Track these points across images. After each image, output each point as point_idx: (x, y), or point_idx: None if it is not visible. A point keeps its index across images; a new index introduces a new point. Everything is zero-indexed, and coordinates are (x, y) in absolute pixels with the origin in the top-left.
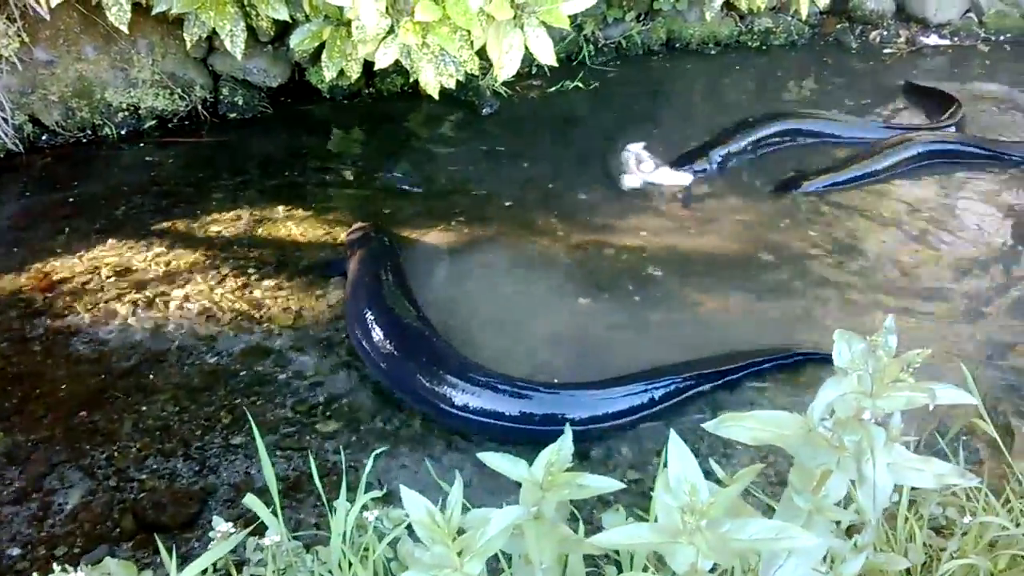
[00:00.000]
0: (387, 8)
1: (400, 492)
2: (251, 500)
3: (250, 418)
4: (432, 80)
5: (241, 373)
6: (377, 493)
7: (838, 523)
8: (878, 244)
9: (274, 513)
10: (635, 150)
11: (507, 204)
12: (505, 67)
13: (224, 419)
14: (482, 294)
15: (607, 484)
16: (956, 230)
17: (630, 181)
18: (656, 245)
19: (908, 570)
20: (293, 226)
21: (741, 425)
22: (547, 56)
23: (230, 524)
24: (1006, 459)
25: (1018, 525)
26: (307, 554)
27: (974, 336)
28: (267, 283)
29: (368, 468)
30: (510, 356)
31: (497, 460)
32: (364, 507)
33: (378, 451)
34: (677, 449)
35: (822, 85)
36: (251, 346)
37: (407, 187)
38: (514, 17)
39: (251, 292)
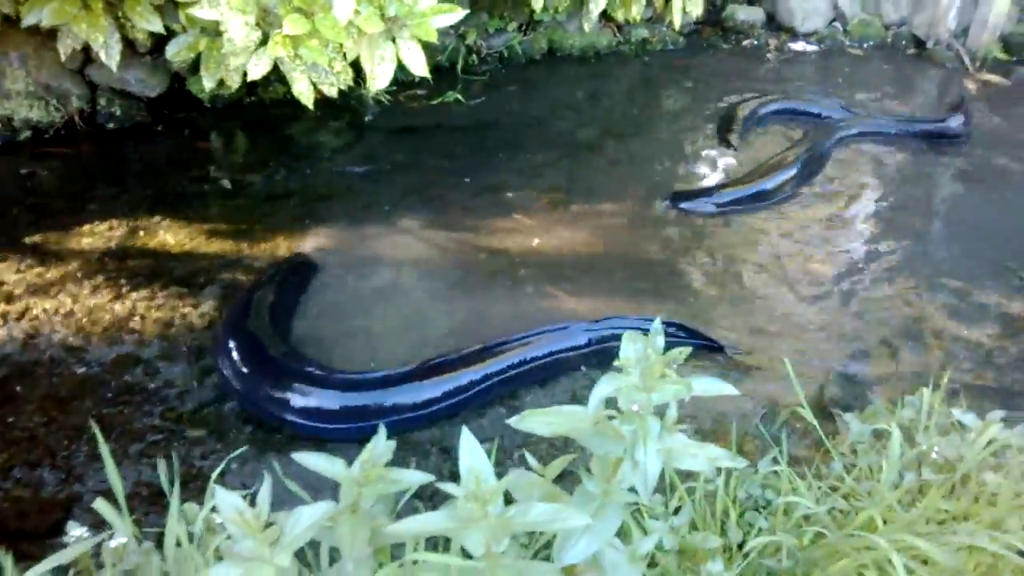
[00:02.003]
0: (257, 21)
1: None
2: (101, 505)
3: (93, 424)
4: (306, 91)
5: (110, 383)
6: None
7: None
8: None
9: (123, 516)
10: None
11: (386, 208)
12: (378, 78)
13: (91, 429)
14: (359, 298)
15: (419, 477)
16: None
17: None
18: (526, 247)
19: (726, 547)
20: (168, 236)
21: (540, 420)
22: (419, 68)
23: (84, 529)
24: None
25: (818, 503)
26: (156, 554)
27: (828, 338)
28: (139, 294)
29: (216, 472)
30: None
31: (312, 459)
32: (212, 509)
33: (233, 455)
34: (467, 443)
35: (696, 83)
36: (121, 356)
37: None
38: (385, 29)
39: (123, 303)
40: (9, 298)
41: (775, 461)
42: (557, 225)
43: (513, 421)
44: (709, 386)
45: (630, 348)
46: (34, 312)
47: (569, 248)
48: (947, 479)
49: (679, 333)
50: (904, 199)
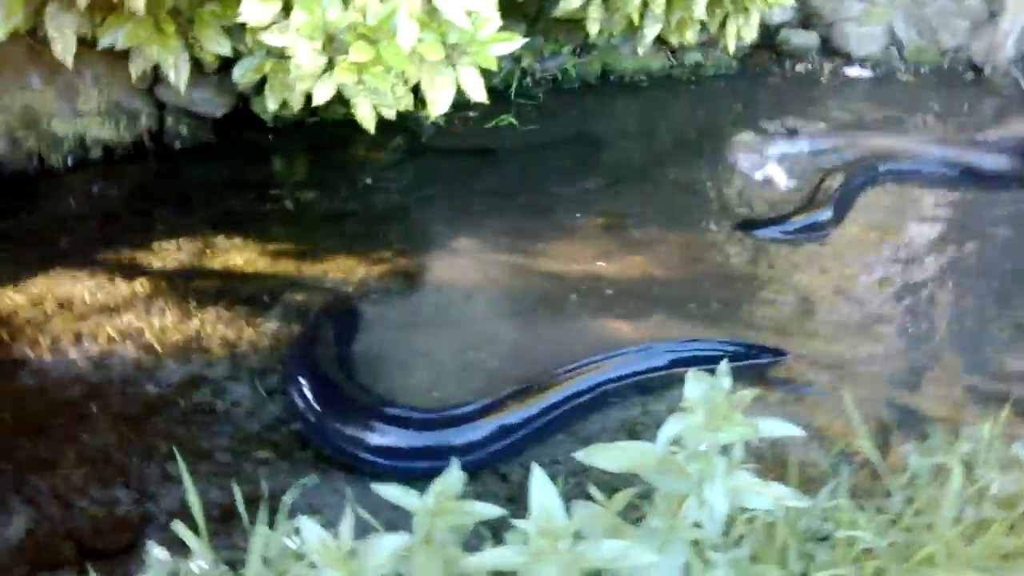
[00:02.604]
0: (323, 46)
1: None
2: (179, 526)
3: (175, 450)
4: (368, 115)
5: (180, 403)
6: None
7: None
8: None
9: (201, 538)
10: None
11: (440, 230)
12: (438, 104)
13: (163, 448)
14: (414, 325)
15: (491, 511)
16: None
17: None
18: (579, 273)
19: None
20: (233, 256)
21: (607, 455)
22: (478, 93)
23: (164, 550)
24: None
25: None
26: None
27: (889, 367)
28: (207, 314)
29: (293, 497)
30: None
31: (390, 491)
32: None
33: (304, 480)
34: (539, 480)
35: (752, 110)
36: (190, 376)
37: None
38: (446, 57)
39: (191, 323)
40: (81, 317)
41: (834, 494)
42: (611, 250)
43: (580, 455)
44: (775, 428)
45: (695, 388)
46: (106, 331)
47: (624, 274)
48: (1008, 515)
49: (743, 350)
50: (966, 228)
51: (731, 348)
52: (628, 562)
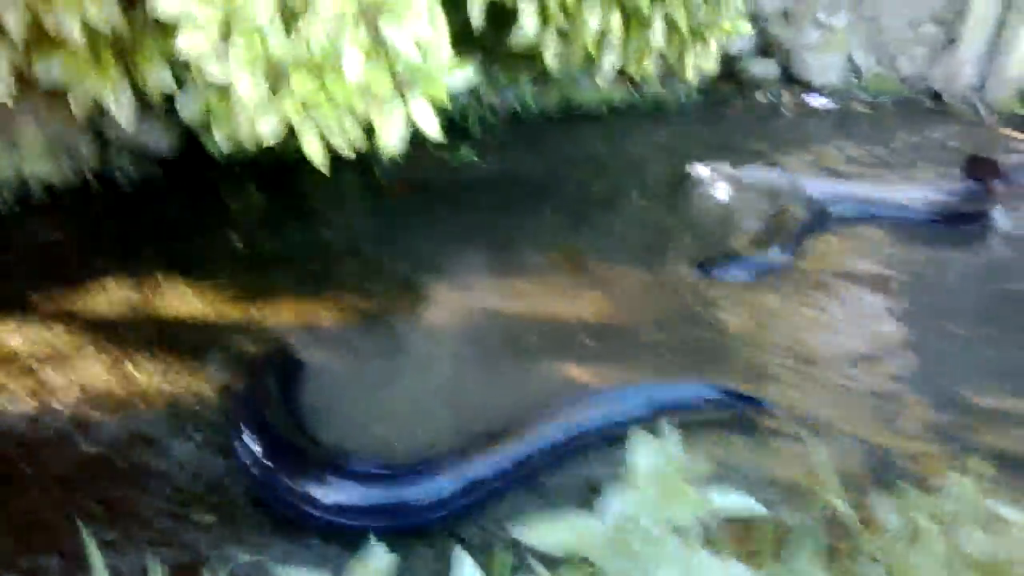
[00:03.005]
0: (266, 78)
1: None
2: None
3: (81, 527)
4: (317, 150)
5: (119, 463)
6: None
7: None
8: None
9: None
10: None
11: (397, 270)
12: (389, 138)
13: (96, 512)
14: (366, 370)
15: None
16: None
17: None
18: (541, 313)
19: None
20: (177, 301)
21: (547, 533)
22: (431, 128)
23: None
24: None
25: None
26: None
27: (859, 413)
28: (148, 364)
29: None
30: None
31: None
32: None
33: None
34: (462, 565)
35: (714, 139)
36: (129, 433)
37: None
38: (395, 89)
39: (133, 374)
40: (17, 368)
41: (811, 560)
42: (572, 287)
43: (517, 533)
44: (732, 502)
45: (640, 458)
46: (43, 383)
47: (584, 311)
48: None
49: (717, 395)
50: (936, 263)
51: (711, 394)
52: None
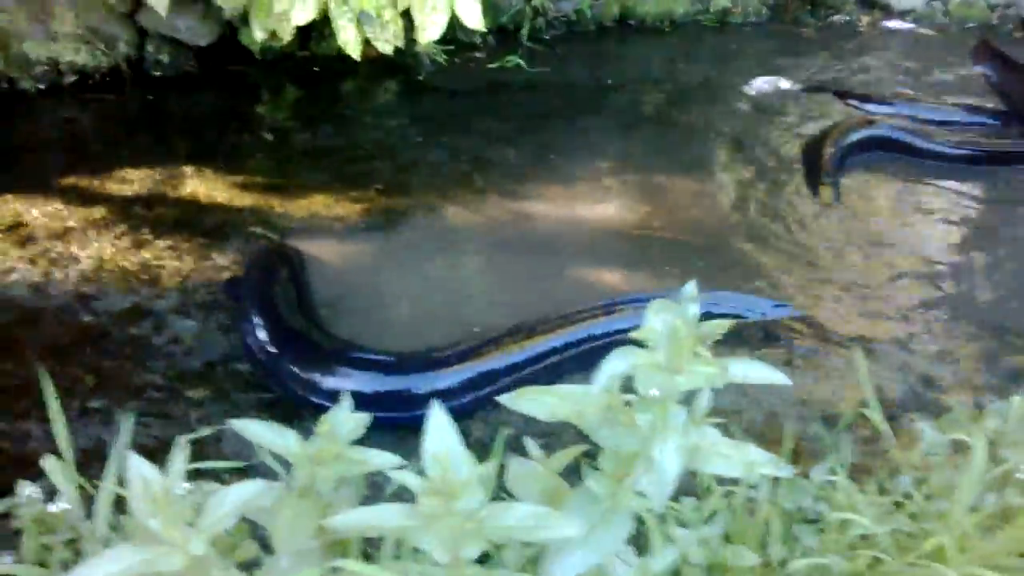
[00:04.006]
0: None
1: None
2: (50, 464)
3: (46, 384)
4: (352, 40)
5: (115, 335)
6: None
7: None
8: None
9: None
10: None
11: (431, 171)
12: (428, 29)
13: (88, 382)
14: (400, 269)
15: (386, 460)
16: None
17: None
18: (578, 218)
19: (766, 564)
20: (199, 187)
21: (539, 400)
22: (474, 20)
23: (35, 488)
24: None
25: (879, 522)
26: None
27: (907, 333)
28: (161, 243)
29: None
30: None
31: (256, 429)
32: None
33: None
34: (437, 421)
35: (781, 62)
36: (131, 307)
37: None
38: None
39: (143, 252)
40: (27, 241)
41: (832, 470)
42: (607, 195)
43: (506, 399)
44: (753, 371)
45: (656, 318)
46: (50, 256)
47: (619, 219)
48: None
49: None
50: (997, 196)
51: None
52: (547, 534)
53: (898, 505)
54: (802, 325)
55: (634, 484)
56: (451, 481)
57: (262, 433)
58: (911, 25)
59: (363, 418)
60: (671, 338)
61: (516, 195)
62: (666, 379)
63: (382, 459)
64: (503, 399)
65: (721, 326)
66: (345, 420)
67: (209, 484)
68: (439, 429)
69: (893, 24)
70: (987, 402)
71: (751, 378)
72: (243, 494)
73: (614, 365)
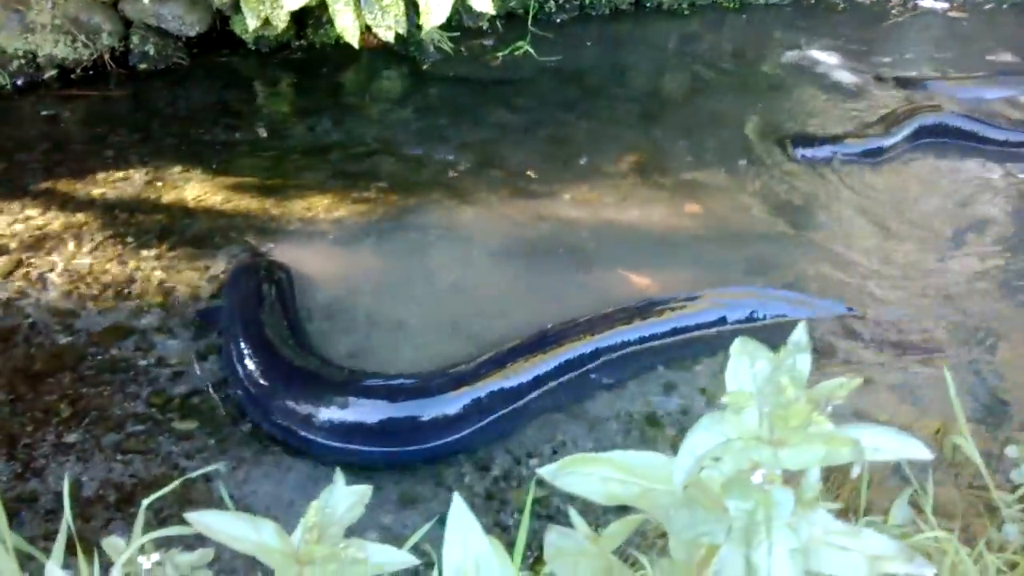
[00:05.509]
0: None
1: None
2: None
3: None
4: (350, 26)
5: (95, 356)
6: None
7: None
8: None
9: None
10: None
11: (437, 167)
12: (433, 12)
13: (63, 412)
14: (406, 279)
15: (393, 558)
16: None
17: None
18: (596, 216)
19: None
20: (188, 189)
21: (588, 474)
22: (483, 3)
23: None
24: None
25: None
26: None
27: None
28: (146, 252)
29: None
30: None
31: (220, 524)
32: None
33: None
34: (459, 516)
35: (807, 49)
36: (112, 325)
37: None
38: None
39: (126, 263)
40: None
41: (918, 508)
42: (632, 192)
43: (546, 473)
44: (887, 442)
45: (742, 369)
46: (25, 270)
47: (646, 217)
48: None
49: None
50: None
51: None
52: None
53: (1012, 567)
54: (861, 326)
55: None
56: None
57: (229, 528)
58: (945, 4)
59: (363, 491)
60: (774, 402)
61: (532, 194)
62: (770, 456)
63: (387, 556)
64: (543, 472)
65: (847, 386)
66: (340, 500)
67: (183, 555)
68: (461, 524)
69: (926, 3)
70: None
71: (884, 452)
72: None
73: (700, 440)
